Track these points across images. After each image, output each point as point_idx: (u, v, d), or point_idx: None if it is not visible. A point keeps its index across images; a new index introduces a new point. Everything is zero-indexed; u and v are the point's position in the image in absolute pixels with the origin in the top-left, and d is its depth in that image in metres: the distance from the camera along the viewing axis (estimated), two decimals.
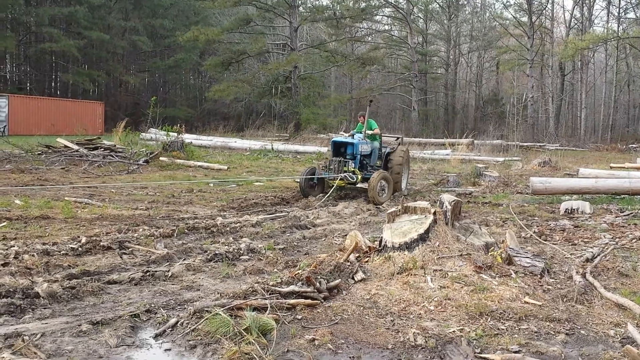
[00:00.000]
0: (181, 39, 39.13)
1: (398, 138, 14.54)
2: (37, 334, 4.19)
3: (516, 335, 4.42)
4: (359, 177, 12.03)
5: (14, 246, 6.60)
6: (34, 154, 18.46)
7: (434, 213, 6.11)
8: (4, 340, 4.02)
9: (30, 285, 5.14)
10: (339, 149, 12.58)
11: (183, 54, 48.09)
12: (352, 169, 11.99)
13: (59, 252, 6.53)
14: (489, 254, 5.97)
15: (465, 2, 55.96)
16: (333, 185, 12.01)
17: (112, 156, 17.98)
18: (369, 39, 52.04)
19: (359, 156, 12.25)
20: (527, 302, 5.01)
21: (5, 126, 33.48)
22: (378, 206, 11.48)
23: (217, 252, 6.75)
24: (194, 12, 51.32)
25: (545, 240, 8.02)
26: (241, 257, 6.80)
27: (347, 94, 51.02)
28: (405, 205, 6.55)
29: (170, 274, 5.89)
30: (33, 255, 6.24)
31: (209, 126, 40.79)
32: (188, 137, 24.92)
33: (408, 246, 5.90)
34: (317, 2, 47.48)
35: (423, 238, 5.92)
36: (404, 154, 13.26)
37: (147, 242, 7.26)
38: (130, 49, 49.58)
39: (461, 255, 5.75)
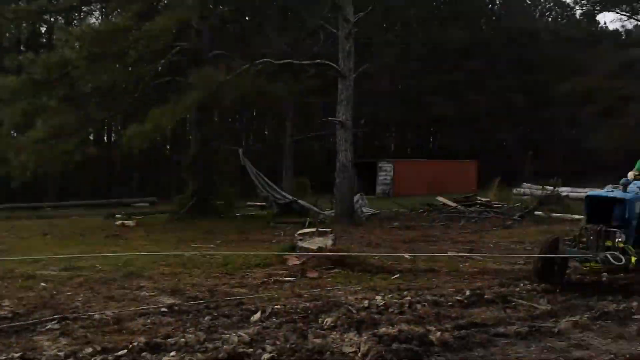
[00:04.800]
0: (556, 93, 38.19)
1: None
2: None
3: None
4: (633, 258, 7.07)
5: (407, 296, 7.28)
6: (416, 212, 20.15)
7: None
8: None
9: (425, 333, 5.58)
10: (598, 209, 7.70)
11: (557, 107, 46.79)
12: (622, 244, 7.19)
13: (447, 303, 6.97)
14: None
15: None
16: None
17: (488, 212, 18.46)
18: None
19: (635, 222, 7.33)
20: None
21: (391, 188, 37.37)
22: None
23: (605, 310, 6.34)
24: (572, 63, 49.64)
25: None
26: (633, 317, 6.22)
27: None
28: None
29: (556, 330, 5.75)
30: (424, 305, 6.80)
31: (584, 178, 38.38)
32: (564, 190, 23.96)
33: None
34: None
35: None
36: None
37: (529, 297, 7.22)
38: (504, 107, 50.42)
39: None
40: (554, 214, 17.74)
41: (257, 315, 6.26)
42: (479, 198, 20.97)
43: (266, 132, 48.10)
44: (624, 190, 7.43)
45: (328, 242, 9.61)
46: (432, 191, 34.23)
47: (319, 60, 20.13)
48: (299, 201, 19.52)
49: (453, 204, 19.97)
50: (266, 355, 4.90)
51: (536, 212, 18.20)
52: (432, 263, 10.06)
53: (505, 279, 8.38)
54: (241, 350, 5.02)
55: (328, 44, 25.15)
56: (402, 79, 46.24)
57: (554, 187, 20.55)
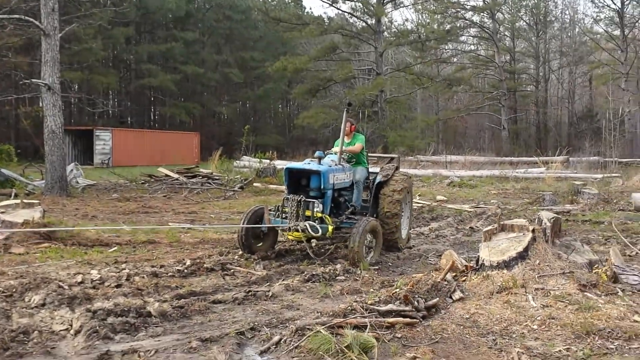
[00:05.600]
0: (270, 70, 40.44)
1: (392, 159, 9.64)
2: (151, 350, 4.42)
3: (627, 355, 4.26)
4: (330, 227, 7.58)
5: (125, 269, 7.03)
6: (137, 183, 19.54)
7: (533, 231, 6.00)
8: (122, 356, 4.26)
9: (143, 305, 5.45)
10: (298, 180, 8.13)
11: (272, 84, 49.81)
12: (319, 214, 7.67)
13: (167, 274, 6.90)
14: (593, 271, 5.78)
15: (554, 19, 54.33)
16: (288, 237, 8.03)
17: (210, 183, 18.77)
18: (455, 59, 51.51)
19: (330, 192, 7.87)
20: (637, 321, 4.81)
21: (109, 158, 35.66)
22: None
23: (313, 273, 6.91)
24: (281, 43, 53.01)
25: None
26: (337, 278, 6.92)
27: (434, 115, 50.64)
28: (502, 223, 6.46)
29: (270, 293, 6.10)
30: (143, 277, 6.63)
31: (299, 152, 41.63)
32: (279, 163, 25.55)
33: (507, 264, 5.82)
34: (401, 27, 47.58)
35: (522, 256, 5.82)
36: (404, 185, 8.85)
37: (247, 264, 7.54)
38: (222, 81, 51.76)
39: (563, 273, 5.60)
40: (271, 186, 18.78)
41: None
42: (201, 170, 21.19)
43: None
44: (319, 162, 7.94)
45: (35, 214, 8.77)
46: (153, 162, 33.72)
47: (17, 16, 17.82)
48: (3, 170, 17.41)
49: (175, 175, 19.83)
50: None
51: (255, 184, 19.07)
52: (152, 235, 9.88)
53: (224, 248, 8.61)
54: None
55: None
56: (117, 44, 44.29)
57: (270, 160, 21.77)
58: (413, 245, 9.41)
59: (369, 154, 9.42)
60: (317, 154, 8.20)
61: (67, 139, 35.85)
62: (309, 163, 8.14)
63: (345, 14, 43.61)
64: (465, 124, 54.71)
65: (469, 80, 46.27)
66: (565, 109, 54.35)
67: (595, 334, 4.60)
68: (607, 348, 4.39)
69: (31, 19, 16.68)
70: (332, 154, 8.60)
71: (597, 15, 48.33)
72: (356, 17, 42.52)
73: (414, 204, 11.94)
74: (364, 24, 41.90)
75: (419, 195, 16.88)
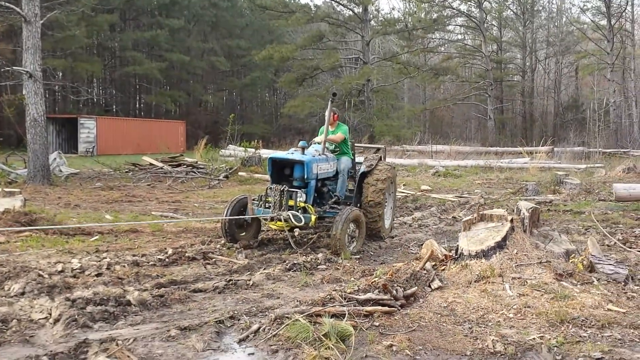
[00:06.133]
0: (256, 58, 40.29)
1: (378, 149, 10.01)
2: (130, 338, 4.45)
3: (599, 343, 4.33)
4: (313, 217, 7.63)
5: (106, 258, 7.03)
6: (121, 172, 19.45)
7: (511, 220, 6.06)
8: (100, 345, 4.27)
9: (122, 293, 5.46)
10: (281, 170, 8.16)
11: (258, 72, 49.55)
12: (302, 204, 7.70)
13: (148, 263, 6.91)
14: (570, 261, 5.86)
15: (541, 8, 54.50)
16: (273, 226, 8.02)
17: (194, 172, 18.72)
18: (442, 49, 51.56)
19: (313, 182, 7.89)
20: (611, 310, 4.89)
21: (94, 146, 35.41)
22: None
23: (295, 262, 6.95)
24: (268, 32, 52.81)
25: (630, 248, 7.74)
26: (319, 267, 6.96)
27: (421, 104, 50.75)
28: (481, 213, 6.52)
29: (251, 282, 6.12)
30: (124, 266, 6.64)
31: (285, 141, 41.58)
32: (265, 152, 25.51)
33: (485, 254, 5.88)
34: (388, 16, 47.57)
35: (500, 246, 5.89)
36: (388, 175, 8.89)
37: (229, 253, 7.55)
38: (208, 70, 51.49)
39: (540, 262, 5.68)
40: (256, 175, 18.75)
41: None
42: (186, 158, 21.12)
43: None
44: (302, 152, 7.95)
45: (16, 203, 8.73)
46: (139, 151, 33.55)
47: None
48: None
49: (160, 164, 19.76)
50: None
51: (240, 173, 19.05)
52: (135, 223, 9.86)
53: (207, 237, 8.62)
54: None
55: None
56: (101, 32, 43.86)
57: (255, 149, 21.73)
58: (395, 235, 9.47)
59: (356, 144, 9.46)
60: (300, 143, 8.21)
61: (51, 127, 35.55)
62: (292, 153, 8.13)
63: (332, 2, 43.54)
64: (452, 113, 54.86)
65: (456, 69, 46.36)
66: (551, 99, 54.64)
67: (569, 322, 4.67)
68: (580, 336, 4.46)
69: (12, 5, 16.45)
70: (316, 143, 8.62)
71: (584, 5, 48.56)
72: (343, 5, 42.49)
73: (398, 194, 12.02)
74: (350, 12, 41.85)
75: (403, 185, 16.95)
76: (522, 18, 52.38)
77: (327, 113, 8.38)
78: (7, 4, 16.47)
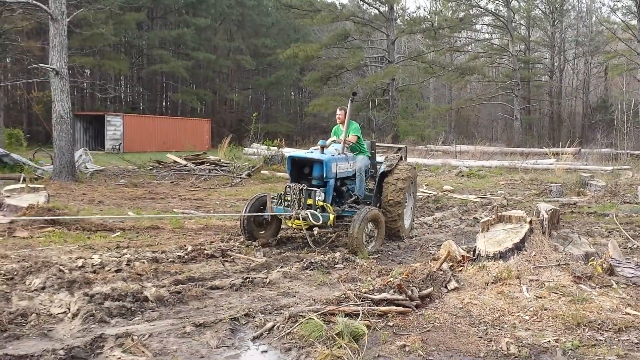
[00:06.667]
0: (282, 57, 40.37)
1: (399, 149, 9.89)
2: (145, 334, 4.51)
3: (615, 347, 4.27)
4: (332, 216, 7.63)
5: (126, 254, 7.12)
6: (145, 169, 19.67)
7: (530, 222, 5.99)
8: (115, 340, 4.33)
9: (140, 289, 5.53)
10: (300, 169, 8.25)
11: (284, 71, 49.72)
12: (321, 203, 7.71)
13: (167, 259, 6.98)
14: (589, 264, 5.78)
15: (570, 7, 53.63)
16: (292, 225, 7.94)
17: (217, 170, 18.85)
18: (468, 48, 51.10)
19: (332, 181, 7.88)
20: (629, 313, 4.81)
21: (120, 144, 35.85)
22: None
23: (312, 261, 6.96)
24: (293, 30, 52.91)
25: None
26: (336, 266, 6.97)
27: (447, 104, 50.39)
28: (499, 214, 6.46)
29: (268, 280, 6.15)
30: (143, 262, 6.72)
31: (309, 140, 41.61)
32: (287, 151, 25.59)
33: (503, 255, 5.83)
34: (414, 14, 47.32)
35: (518, 247, 5.83)
36: (408, 175, 8.92)
37: (248, 251, 7.60)
38: (234, 68, 51.81)
39: (559, 265, 5.61)
40: (278, 173, 18.82)
41: None
42: (210, 156, 21.28)
43: None
44: (322, 151, 7.98)
45: (40, 199, 8.88)
46: (164, 148, 33.87)
47: (25, 0, 17.79)
48: (12, 155, 17.58)
49: (183, 162, 19.94)
50: None
51: (262, 171, 19.14)
52: (156, 220, 9.96)
53: (226, 235, 8.68)
54: None
55: None
56: (128, 30, 44.34)
57: (278, 148, 21.81)
58: (415, 235, 9.44)
59: (377, 144, 9.44)
60: (320, 142, 8.22)
61: (79, 124, 36.10)
62: (312, 152, 8.20)
63: (358, 1, 43.40)
64: (478, 113, 54.35)
65: (482, 69, 45.87)
66: (579, 100, 53.75)
67: (586, 325, 4.61)
68: (596, 339, 4.40)
69: (39, 3, 16.72)
70: (336, 143, 8.63)
71: (614, 4, 47.66)
72: (368, 4, 42.30)
73: (419, 194, 11.96)
74: (376, 11, 41.70)
75: (425, 185, 16.86)
76: (550, 17, 51.60)
77: (347, 112, 8.34)
78: (35, 2, 16.75)
